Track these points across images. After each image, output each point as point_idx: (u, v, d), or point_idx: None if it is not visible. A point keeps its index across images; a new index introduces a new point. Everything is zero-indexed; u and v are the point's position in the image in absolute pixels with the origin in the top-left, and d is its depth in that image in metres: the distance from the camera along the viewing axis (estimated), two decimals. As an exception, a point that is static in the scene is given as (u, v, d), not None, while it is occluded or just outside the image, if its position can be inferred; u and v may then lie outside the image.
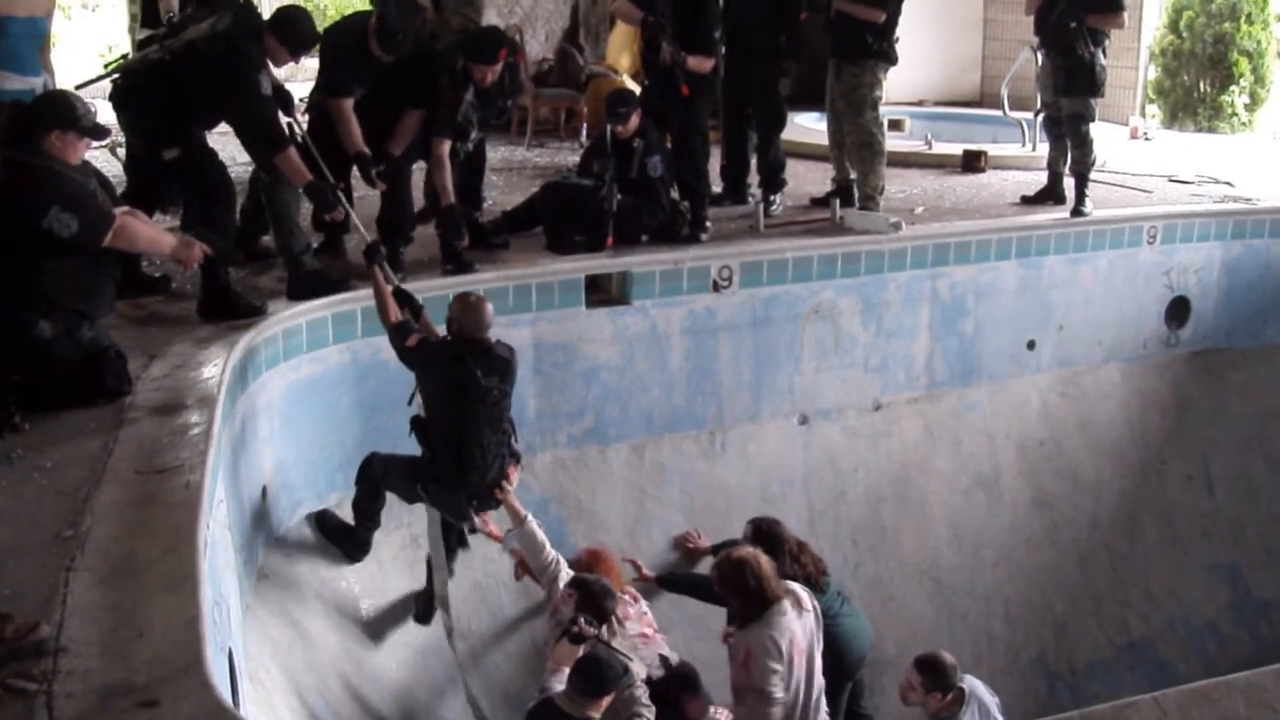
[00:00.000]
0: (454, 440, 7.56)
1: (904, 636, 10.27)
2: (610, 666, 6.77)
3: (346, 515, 8.35)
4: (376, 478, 7.98)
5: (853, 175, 11.55)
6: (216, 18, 7.77)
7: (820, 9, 11.36)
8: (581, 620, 7.30)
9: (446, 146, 9.03)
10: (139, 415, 6.42)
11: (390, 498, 8.18)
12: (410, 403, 7.86)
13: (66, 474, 5.69)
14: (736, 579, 7.32)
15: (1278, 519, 12.19)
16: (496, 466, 7.75)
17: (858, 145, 11.32)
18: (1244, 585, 11.94)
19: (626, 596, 8.29)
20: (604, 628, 7.53)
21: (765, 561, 7.41)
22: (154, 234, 6.99)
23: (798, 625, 7.33)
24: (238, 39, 7.74)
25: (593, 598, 7.50)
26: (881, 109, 11.39)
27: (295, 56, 8.24)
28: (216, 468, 5.94)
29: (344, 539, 8.32)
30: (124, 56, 8.51)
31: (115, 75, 8.08)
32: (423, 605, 8.38)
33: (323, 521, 8.37)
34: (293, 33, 8.00)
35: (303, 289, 8.41)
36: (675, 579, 9.34)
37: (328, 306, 8.32)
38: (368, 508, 8.16)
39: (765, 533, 8.72)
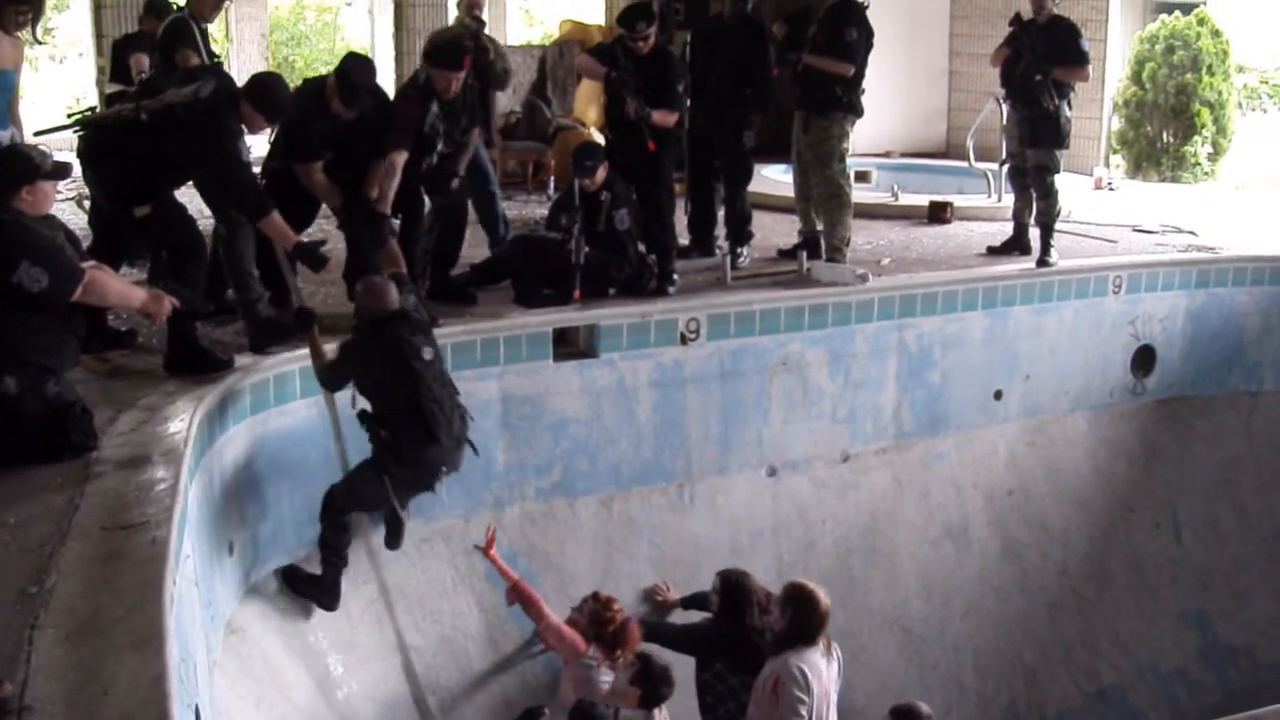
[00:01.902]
0: (412, 408, 7.59)
1: (874, 687, 10.27)
2: None
3: (313, 568, 8.32)
4: (340, 503, 7.99)
5: (819, 227, 11.60)
6: (199, 84, 7.77)
7: (789, 64, 11.42)
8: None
9: (402, 158, 9.00)
10: (105, 470, 6.38)
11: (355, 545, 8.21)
12: (354, 406, 7.99)
13: (31, 530, 5.64)
14: (804, 602, 7.62)
15: (1245, 565, 12.25)
16: (458, 418, 7.82)
17: (825, 197, 11.37)
18: (1213, 632, 11.97)
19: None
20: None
21: (828, 613, 7.69)
22: (123, 288, 6.96)
23: (824, 668, 7.54)
24: (218, 107, 7.77)
25: (651, 675, 7.94)
26: (848, 160, 11.46)
27: (271, 122, 8.30)
28: (183, 523, 5.91)
29: (313, 589, 8.28)
30: (91, 109, 8.52)
31: (82, 128, 8.09)
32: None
33: (290, 576, 8.32)
34: (268, 99, 8.01)
35: (262, 339, 8.40)
36: (648, 628, 9.35)
37: (294, 361, 8.29)
38: (334, 542, 8.13)
39: (733, 584, 8.78)
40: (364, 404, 7.90)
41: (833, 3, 11.14)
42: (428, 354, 7.65)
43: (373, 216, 8.80)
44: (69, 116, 8.51)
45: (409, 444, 7.66)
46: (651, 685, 7.91)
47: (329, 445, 8.45)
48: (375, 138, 8.98)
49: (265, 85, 8.14)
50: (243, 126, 7.97)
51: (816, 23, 11.18)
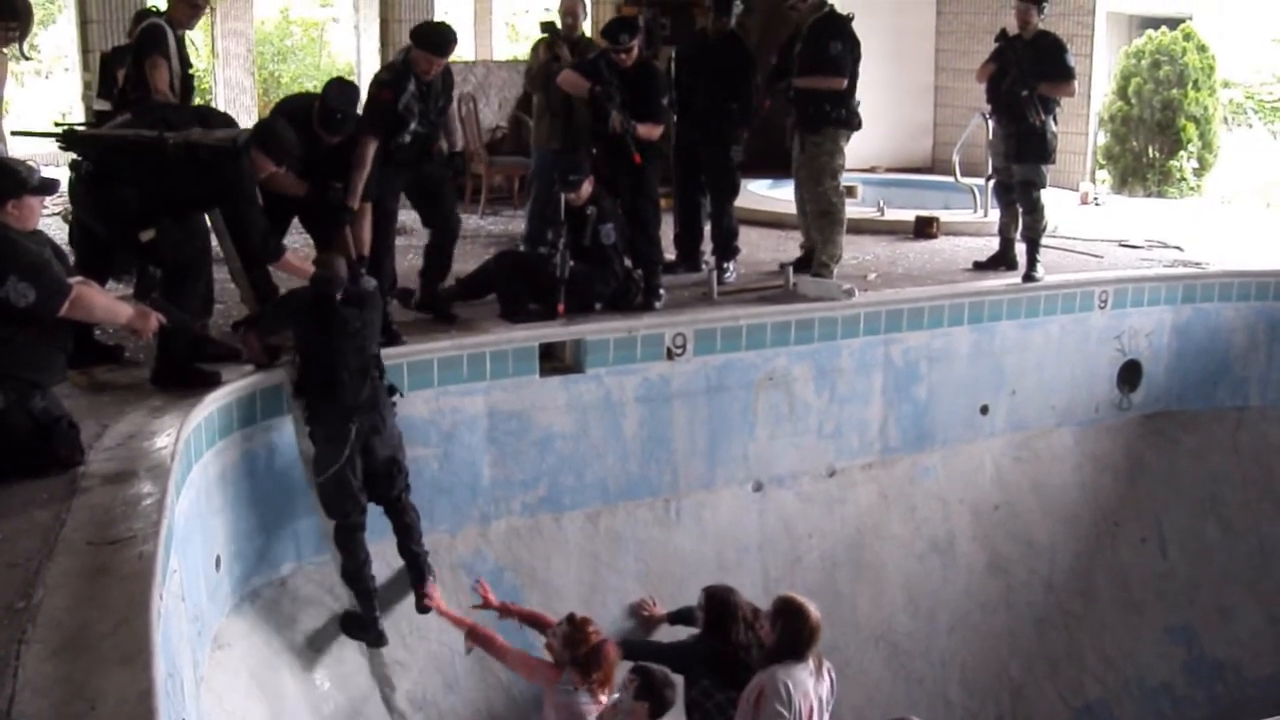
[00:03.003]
0: (325, 368, 7.91)
1: (860, 702, 10.27)
2: None
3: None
4: (325, 501, 8.17)
5: (815, 238, 11.70)
6: (238, 133, 8.05)
7: (780, 92, 11.44)
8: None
9: (373, 148, 9.06)
10: (92, 485, 6.37)
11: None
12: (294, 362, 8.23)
13: (18, 545, 5.63)
14: (794, 616, 7.54)
15: (1231, 580, 12.26)
16: (368, 387, 8.04)
17: (817, 214, 11.41)
18: (1198, 646, 11.99)
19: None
20: None
21: (819, 628, 7.57)
22: (110, 303, 6.96)
23: (811, 686, 7.46)
24: (242, 156, 7.92)
25: (654, 687, 7.82)
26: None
27: (280, 166, 8.37)
28: (170, 538, 5.90)
29: (356, 628, 8.48)
30: (90, 124, 8.49)
31: (84, 145, 8.11)
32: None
33: (345, 624, 8.50)
34: (276, 145, 8.19)
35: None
36: (632, 646, 9.33)
37: (282, 378, 8.29)
38: (351, 569, 8.27)
39: (718, 600, 8.78)
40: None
41: (815, 19, 11.15)
42: (352, 327, 7.94)
43: (338, 207, 8.92)
44: (55, 125, 8.49)
45: (318, 398, 8.01)
46: (657, 695, 7.86)
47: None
48: (351, 150, 9.07)
49: (273, 131, 8.29)
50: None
51: (801, 42, 11.18)
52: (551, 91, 11.56)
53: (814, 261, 11.48)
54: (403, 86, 9.23)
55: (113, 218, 7.98)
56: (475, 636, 8.61)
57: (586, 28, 13.85)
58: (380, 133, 9.16)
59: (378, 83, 9.51)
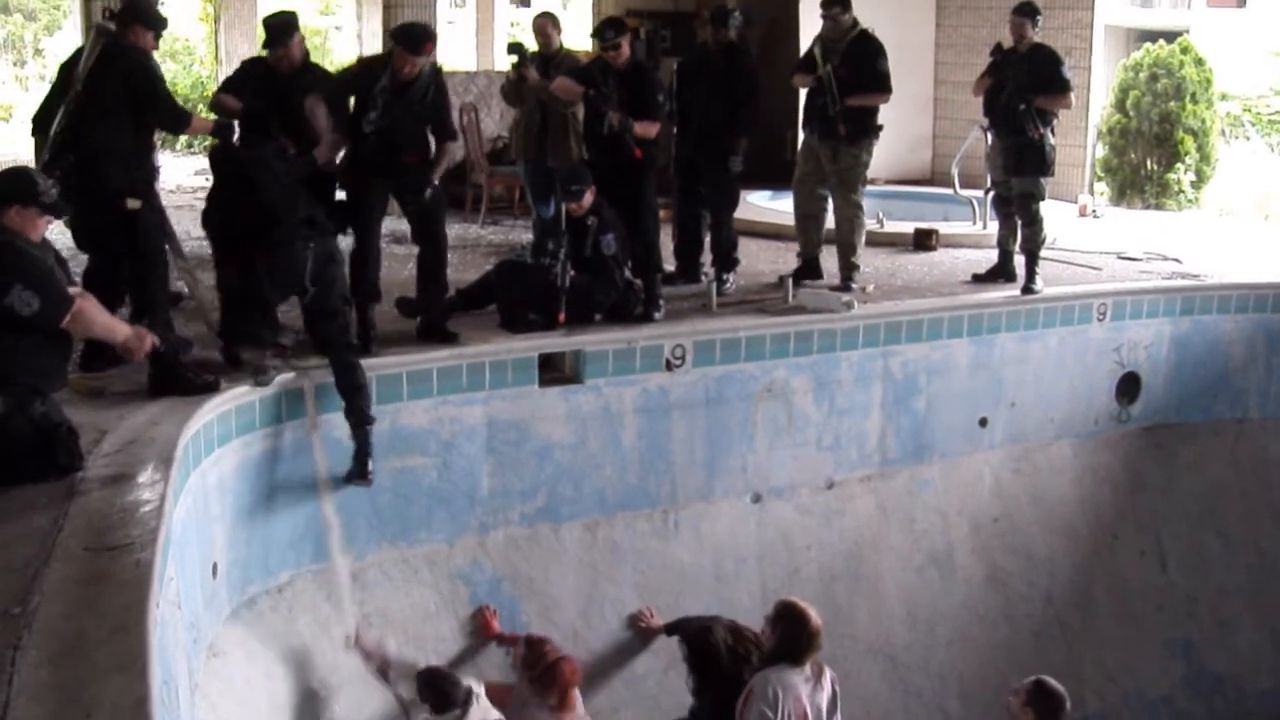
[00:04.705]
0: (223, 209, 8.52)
1: (858, 715, 10.23)
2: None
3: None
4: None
5: (820, 248, 11.93)
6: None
7: (831, 117, 11.64)
8: None
9: (321, 107, 9.10)
10: (90, 491, 6.36)
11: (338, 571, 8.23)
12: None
13: (15, 551, 5.61)
14: (793, 619, 7.60)
15: (1230, 593, 12.25)
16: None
17: (848, 219, 11.82)
18: (1198, 660, 11.97)
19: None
20: None
21: (819, 633, 7.60)
22: (108, 320, 6.98)
23: (805, 693, 7.48)
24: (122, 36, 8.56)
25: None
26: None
27: (153, 30, 8.90)
28: (167, 545, 5.89)
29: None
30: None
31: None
32: None
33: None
34: (145, 12, 8.81)
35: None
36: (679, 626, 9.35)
37: (280, 385, 8.29)
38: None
39: (697, 646, 8.62)
40: None
41: (852, 39, 11.66)
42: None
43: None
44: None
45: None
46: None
47: (313, 469, 8.44)
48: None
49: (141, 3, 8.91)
50: None
51: (840, 58, 11.61)
52: (528, 103, 11.83)
53: (843, 264, 11.83)
54: (376, 75, 9.23)
55: (103, 183, 8.26)
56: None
57: (589, 41, 13.85)
58: (331, 94, 9.25)
59: (357, 59, 9.67)
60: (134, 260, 8.39)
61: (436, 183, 9.48)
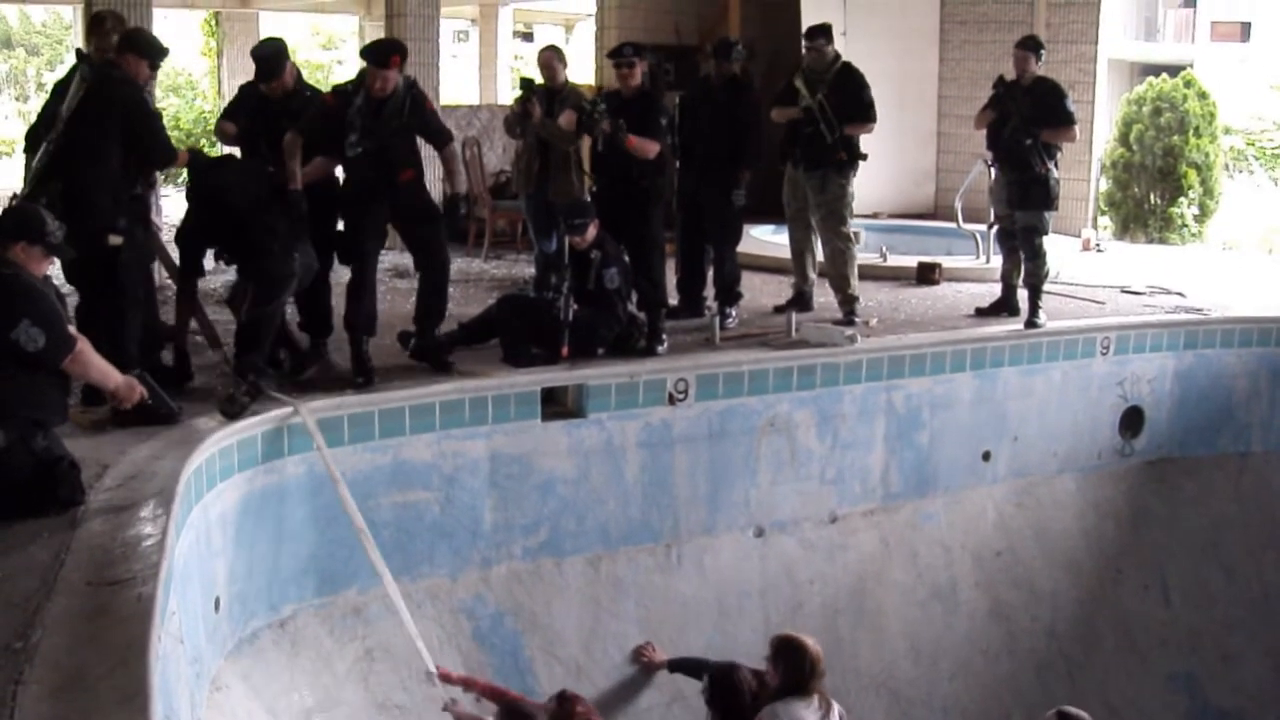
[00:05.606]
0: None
1: (862, 749, 10.23)
2: None
3: (299, 620, 8.28)
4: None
5: (812, 280, 11.98)
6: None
7: (827, 145, 11.66)
8: None
9: (295, 141, 9.13)
10: (91, 525, 6.37)
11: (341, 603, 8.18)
12: None
13: (17, 585, 5.63)
14: (792, 651, 7.56)
15: (1234, 627, 12.21)
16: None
17: (838, 251, 11.84)
18: (1201, 695, 11.93)
19: None
20: None
21: (819, 659, 7.57)
22: (104, 366, 7.02)
23: None
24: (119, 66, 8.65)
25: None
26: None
27: (148, 59, 8.96)
28: (169, 579, 5.89)
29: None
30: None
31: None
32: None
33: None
34: (144, 42, 8.88)
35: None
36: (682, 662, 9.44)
37: (282, 419, 8.29)
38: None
39: (722, 683, 8.54)
40: None
41: (838, 70, 11.73)
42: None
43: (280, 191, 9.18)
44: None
45: None
46: None
47: (315, 503, 8.44)
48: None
49: (138, 32, 9.15)
50: None
51: (829, 89, 11.63)
52: (528, 138, 11.80)
53: (840, 298, 11.86)
54: (350, 100, 9.24)
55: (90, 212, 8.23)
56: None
57: (593, 75, 13.93)
58: (305, 129, 9.24)
59: (331, 88, 9.68)
60: (110, 296, 8.36)
61: (462, 191, 9.64)
